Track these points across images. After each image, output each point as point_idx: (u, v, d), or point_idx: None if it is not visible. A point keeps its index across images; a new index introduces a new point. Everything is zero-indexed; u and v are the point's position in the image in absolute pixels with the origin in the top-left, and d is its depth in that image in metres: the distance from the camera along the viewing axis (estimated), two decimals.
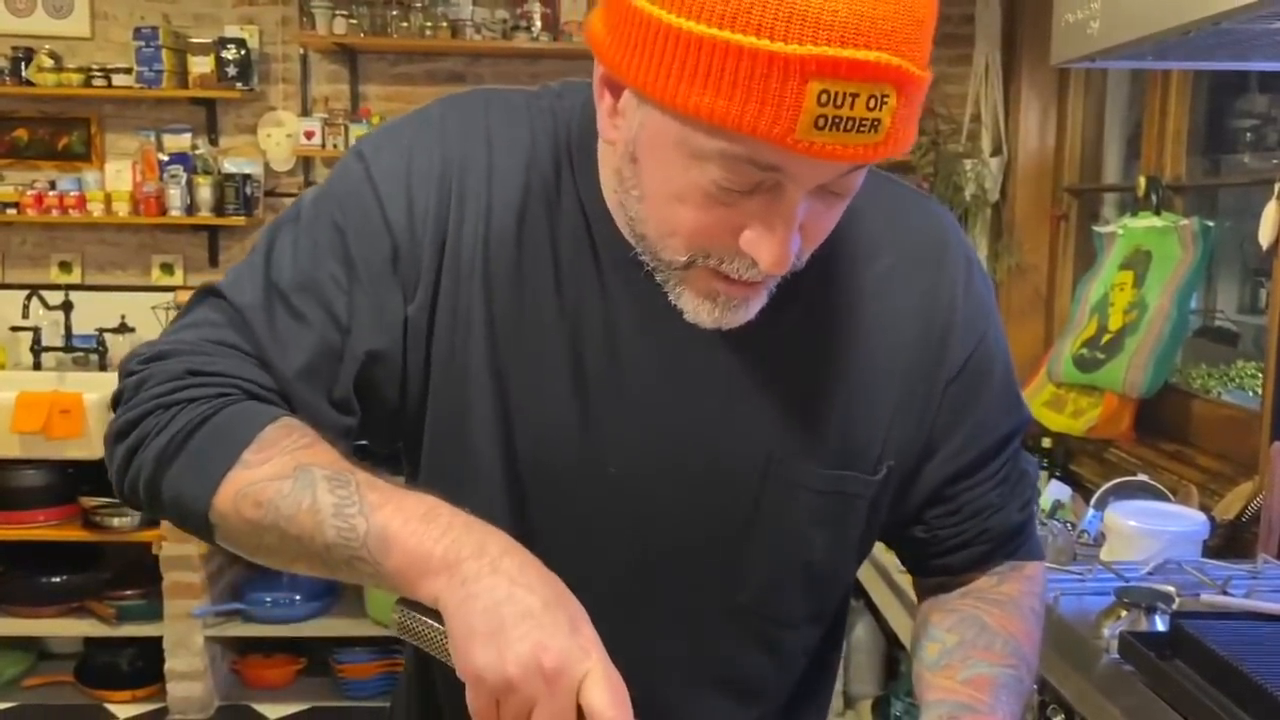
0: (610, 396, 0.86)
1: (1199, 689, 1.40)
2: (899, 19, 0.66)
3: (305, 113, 3.70)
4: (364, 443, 0.89)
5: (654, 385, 0.86)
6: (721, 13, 0.66)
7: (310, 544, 0.75)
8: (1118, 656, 1.55)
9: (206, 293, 0.86)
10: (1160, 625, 1.58)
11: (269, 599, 3.32)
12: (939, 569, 0.99)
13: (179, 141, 3.66)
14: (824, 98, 0.66)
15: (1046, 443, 2.76)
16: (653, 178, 0.76)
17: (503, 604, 0.70)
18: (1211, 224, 2.47)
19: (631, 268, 0.83)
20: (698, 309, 0.80)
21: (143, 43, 3.50)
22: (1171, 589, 1.66)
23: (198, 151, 3.65)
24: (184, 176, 3.56)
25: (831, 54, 0.65)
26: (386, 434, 0.91)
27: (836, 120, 0.66)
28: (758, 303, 0.81)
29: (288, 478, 0.76)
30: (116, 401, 0.83)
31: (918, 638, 0.98)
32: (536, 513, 0.88)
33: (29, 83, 3.54)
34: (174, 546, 3.22)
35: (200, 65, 3.55)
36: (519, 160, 0.86)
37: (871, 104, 0.66)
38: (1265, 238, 2.12)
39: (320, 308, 0.83)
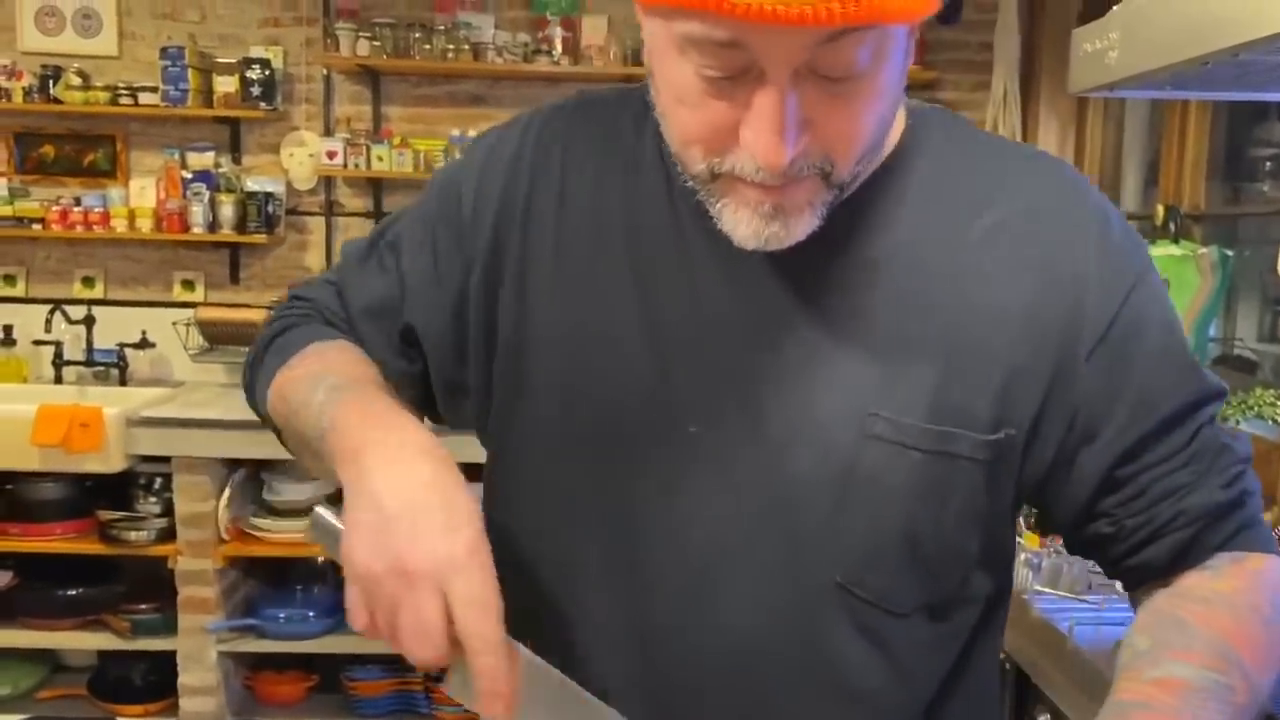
0: (688, 351, 0.83)
1: None
2: None
3: (328, 132, 3.74)
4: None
5: (736, 337, 0.83)
6: None
7: (304, 437, 0.84)
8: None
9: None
10: None
11: (282, 615, 3.33)
12: (1141, 569, 0.85)
13: (203, 159, 3.70)
14: None
15: None
16: (661, 86, 0.76)
17: (384, 496, 0.71)
18: (1230, 253, 2.46)
19: (708, 218, 0.80)
20: (737, 223, 0.76)
21: (169, 62, 3.55)
22: None
23: (221, 169, 3.69)
24: (207, 194, 3.60)
25: None
26: (456, 406, 0.97)
27: None
28: (799, 218, 0.76)
29: (304, 378, 0.86)
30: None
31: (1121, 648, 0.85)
32: (616, 479, 0.85)
33: (57, 100, 3.60)
34: (190, 561, 3.23)
35: (225, 85, 3.59)
36: (597, 131, 0.90)
37: None
38: None
39: (395, 264, 0.94)
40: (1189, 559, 0.83)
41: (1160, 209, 2.66)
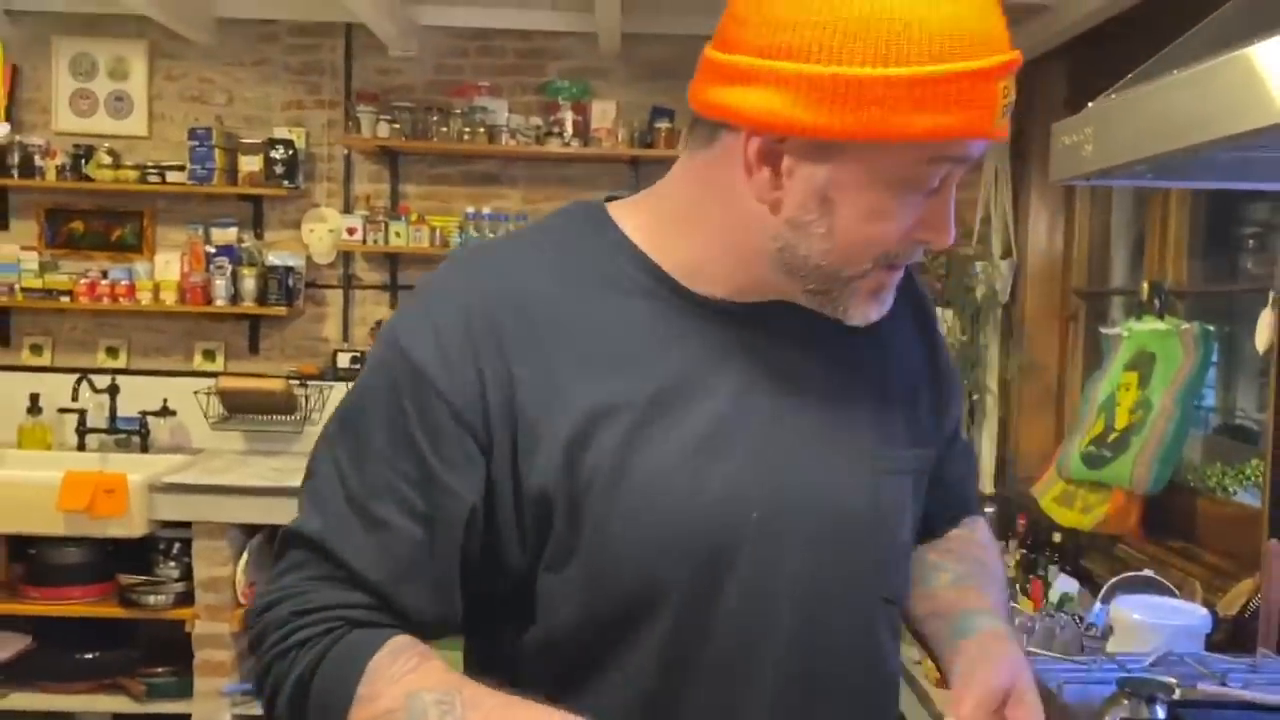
0: (725, 447, 0.90)
1: None
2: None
3: (347, 209, 3.89)
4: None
5: (762, 420, 0.92)
6: (926, 51, 0.80)
7: None
8: None
9: (286, 539, 0.90)
10: (1160, 714, 1.65)
11: None
12: (928, 532, 1.14)
13: (226, 235, 3.85)
14: (1004, 91, 0.83)
15: (1057, 537, 2.84)
16: (850, 213, 0.86)
17: None
18: (1212, 328, 2.57)
19: (708, 316, 0.92)
20: (864, 308, 0.92)
21: (197, 142, 3.71)
22: (1172, 680, 1.73)
23: (244, 244, 3.84)
24: (229, 268, 3.74)
25: (1002, 60, 0.82)
26: (510, 580, 0.92)
27: (1007, 106, 0.84)
28: (891, 295, 0.94)
29: (400, 709, 0.82)
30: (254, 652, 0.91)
31: (922, 574, 1.09)
32: (702, 581, 0.90)
33: (88, 178, 3.75)
34: (207, 625, 3.31)
35: (250, 164, 3.76)
36: (542, 269, 0.92)
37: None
38: (1261, 343, 2.23)
39: (397, 507, 0.86)
40: (958, 522, 1.16)
41: (1146, 286, 2.79)
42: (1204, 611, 2.06)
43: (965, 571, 1.08)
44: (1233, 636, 2.11)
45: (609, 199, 1.00)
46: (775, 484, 0.91)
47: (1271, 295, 2.21)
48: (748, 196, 0.88)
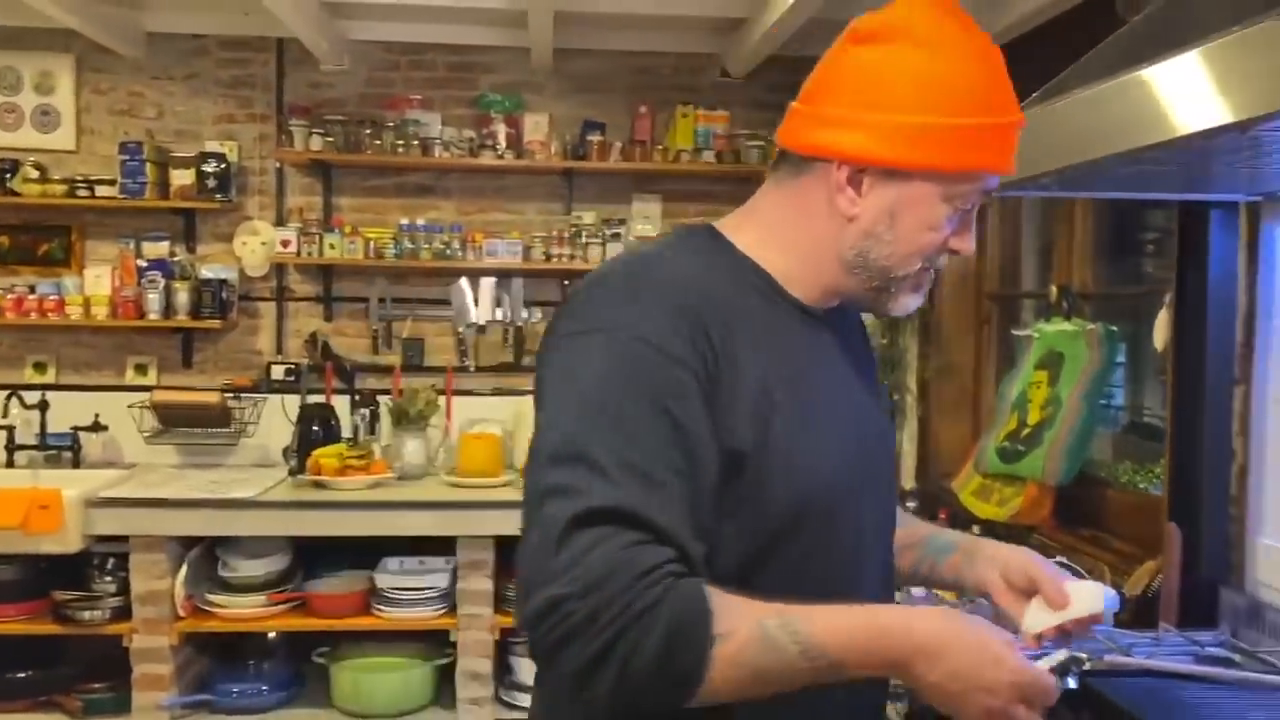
0: (831, 419, 1.17)
1: None
2: None
3: (280, 222, 3.91)
4: None
5: (845, 397, 1.21)
6: (977, 107, 1.10)
7: (794, 682, 1.00)
8: None
9: (574, 523, 0.95)
10: (1072, 684, 1.79)
11: (236, 689, 3.40)
12: None
13: (158, 249, 3.84)
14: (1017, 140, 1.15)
15: (975, 529, 2.98)
16: (910, 223, 1.14)
17: (950, 681, 1.02)
18: (1115, 328, 2.74)
19: (802, 316, 1.18)
20: (907, 299, 1.19)
21: (128, 156, 3.71)
22: (1084, 654, 1.87)
23: (176, 258, 3.84)
24: (162, 281, 3.74)
25: (1021, 117, 1.14)
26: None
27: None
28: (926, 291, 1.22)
29: (754, 640, 0.97)
30: (557, 642, 0.94)
31: None
32: (825, 516, 1.14)
33: (13, 192, 3.72)
34: (145, 639, 3.30)
35: (181, 178, 3.76)
36: (704, 271, 1.14)
37: None
38: (1159, 342, 2.40)
39: (667, 467, 1.00)
40: None
41: (1054, 289, 2.95)
42: (1112, 593, 2.21)
43: (900, 516, 1.37)
44: (1138, 614, 2.27)
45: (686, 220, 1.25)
46: (862, 445, 1.20)
47: (1168, 297, 2.37)
48: (830, 215, 1.15)
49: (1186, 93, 1.37)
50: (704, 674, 0.95)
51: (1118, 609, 2.16)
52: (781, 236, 1.18)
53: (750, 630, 0.97)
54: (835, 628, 1.00)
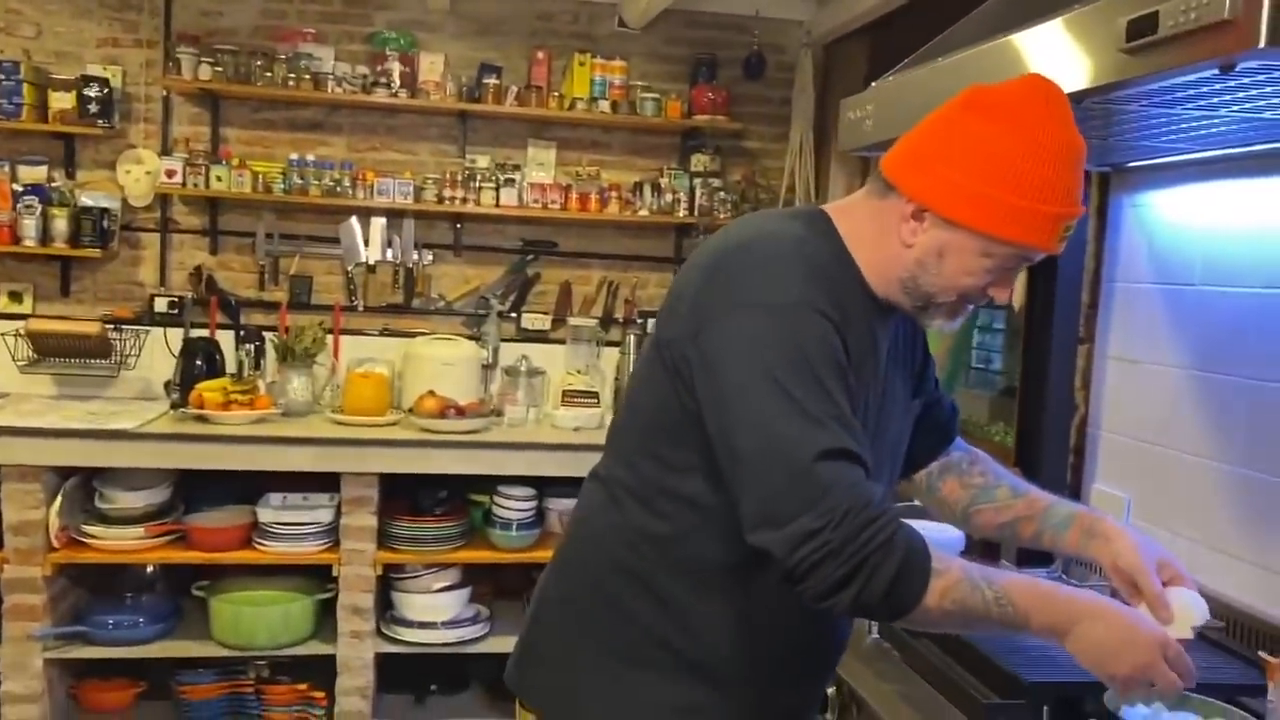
0: (873, 415, 1.42)
1: (941, 661, 1.75)
2: None
3: (166, 152, 3.83)
4: None
5: (879, 393, 1.43)
6: (1049, 195, 1.27)
7: (983, 623, 1.26)
8: (878, 636, 1.89)
9: (811, 462, 1.20)
10: None
11: (111, 621, 3.38)
12: (938, 454, 1.68)
13: (35, 173, 3.73)
14: (1069, 226, 1.31)
15: None
16: (953, 266, 1.33)
17: (1108, 640, 1.28)
18: None
19: (879, 313, 1.40)
20: (941, 321, 1.40)
21: (3, 75, 3.58)
22: None
23: (54, 184, 3.73)
24: (39, 207, 3.63)
25: (1075, 211, 1.31)
26: None
27: (1068, 230, 1.32)
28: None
29: (963, 580, 1.23)
30: (812, 566, 1.19)
31: (976, 495, 1.62)
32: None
33: None
34: (16, 569, 3.26)
35: (61, 101, 3.65)
36: (827, 250, 1.38)
37: None
38: (1015, 301, 2.56)
39: (849, 414, 1.27)
40: (954, 444, 1.73)
41: None
42: (957, 532, 2.37)
43: (1013, 483, 1.62)
44: (983, 553, 2.44)
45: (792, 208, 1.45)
46: (880, 440, 1.44)
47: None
48: (898, 239, 1.35)
49: (1044, 61, 1.47)
50: (922, 599, 1.20)
51: (962, 548, 2.34)
52: (867, 239, 1.38)
53: (959, 572, 1.23)
54: (1020, 584, 1.26)
